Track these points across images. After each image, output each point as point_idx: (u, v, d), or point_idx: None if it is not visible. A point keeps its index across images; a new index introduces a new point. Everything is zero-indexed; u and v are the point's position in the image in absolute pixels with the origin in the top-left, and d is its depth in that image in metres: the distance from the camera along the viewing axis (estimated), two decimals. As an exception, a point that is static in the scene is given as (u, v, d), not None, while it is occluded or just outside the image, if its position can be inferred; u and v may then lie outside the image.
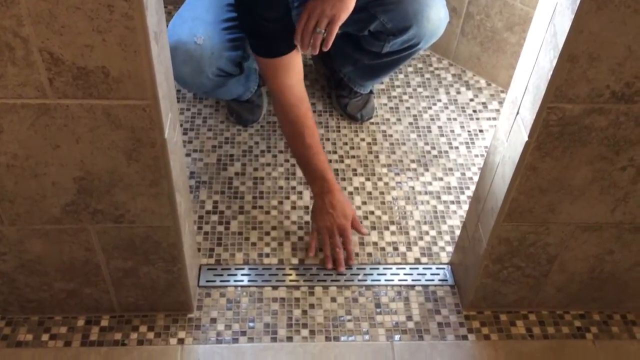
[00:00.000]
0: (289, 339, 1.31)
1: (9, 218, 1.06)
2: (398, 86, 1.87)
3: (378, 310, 1.37)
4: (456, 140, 1.73)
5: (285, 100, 1.37)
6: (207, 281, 1.39)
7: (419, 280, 1.42)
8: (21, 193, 1.01)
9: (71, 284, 1.22)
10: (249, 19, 1.32)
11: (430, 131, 1.75)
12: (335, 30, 1.33)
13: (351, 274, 1.42)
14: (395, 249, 1.48)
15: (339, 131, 1.74)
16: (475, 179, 1.60)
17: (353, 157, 1.68)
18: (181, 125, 1.70)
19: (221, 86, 1.47)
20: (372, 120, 1.77)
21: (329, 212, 1.41)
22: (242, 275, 1.41)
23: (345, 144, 1.71)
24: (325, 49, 1.38)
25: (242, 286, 1.39)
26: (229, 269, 1.42)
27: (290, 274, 1.42)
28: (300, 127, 1.38)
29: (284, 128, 1.44)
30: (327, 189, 1.41)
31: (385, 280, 1.42)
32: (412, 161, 1.67)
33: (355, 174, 1.63)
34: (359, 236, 1.50)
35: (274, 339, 1.31)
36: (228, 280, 1.40)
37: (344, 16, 1.32)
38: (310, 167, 1.41)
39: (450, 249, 1.48)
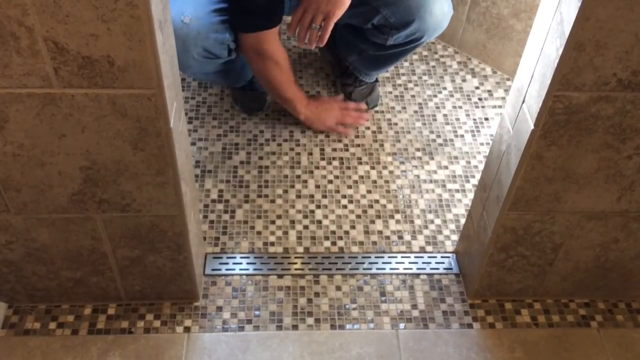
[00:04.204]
0: (295, 327, 1.32)
1: (16, 207, 1.06)
2: (403, 74, 1.87)
3: (383, 298, 1.37)
4: (461, 128, 1.73)
5: (261, 59, 1.44)
6: (213, 270, 1.40)
7: (424, 268, 1.43)
8: (27, 182, 1.02)
9: (78, 273, 1.23)
10: None
11: (435, 119, 1.75)
12: (331, 26, 1.34)
13: (356, 263, 1.43)
14: (400, 237, 1.48)
15: (344, 120, 1.73)
16: (481, 167, 1.60)
17: (358, 145, 1.67)
18: (186, 114, 1.70)
19: (213, 69, 1.47)
20: (377, 109, 1.76)
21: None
22: (248, 263, 1.42)
23: (350, 132, 1.71)
24: (321, 45, 1.38)
25: (247, 275, 1.40)
26: (235, 257, 1.43)
27: (296, 263, 1.42)
28: (276, 72, 1.47)
29: (259, 77, 1.51)
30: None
31: (390, 268, 1.42)
32: (417, 149, 1.67)
33: (360, 163, 1.63)
34: (364, 225, 1.50)
35: (279, 327, 1.31)
36: (233, 269, 1.40)
37: (339, 13, 1.32)
38: (289, 94, 1.54)
39: (455, 237, 1.48)
